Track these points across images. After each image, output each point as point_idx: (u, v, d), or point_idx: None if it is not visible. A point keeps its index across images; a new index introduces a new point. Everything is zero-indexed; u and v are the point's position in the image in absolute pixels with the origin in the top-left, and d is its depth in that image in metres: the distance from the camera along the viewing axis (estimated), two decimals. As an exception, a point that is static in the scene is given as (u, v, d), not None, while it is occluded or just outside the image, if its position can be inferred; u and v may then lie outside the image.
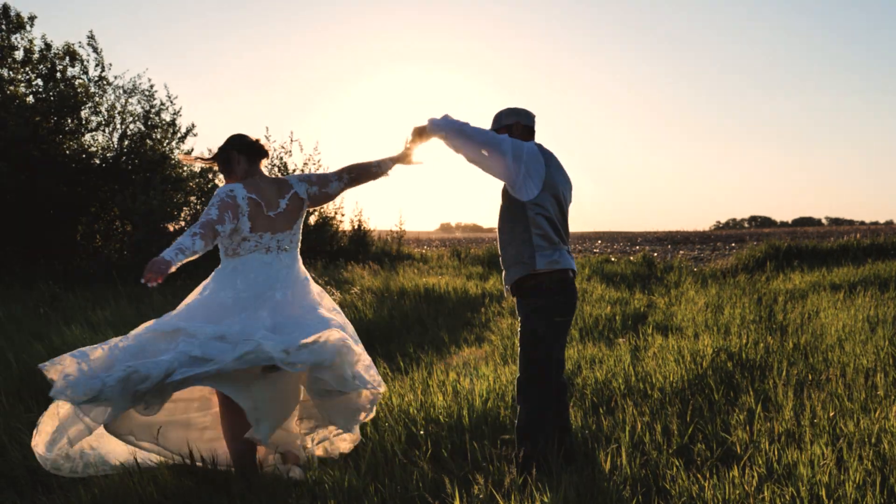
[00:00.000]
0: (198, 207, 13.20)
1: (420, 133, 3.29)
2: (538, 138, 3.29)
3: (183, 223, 13.09)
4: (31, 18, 14.25)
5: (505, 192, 3.14)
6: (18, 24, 14.08)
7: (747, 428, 3.50)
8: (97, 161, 13.58)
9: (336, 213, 14.60)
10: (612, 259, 13.95)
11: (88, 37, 14.01)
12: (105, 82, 13.99)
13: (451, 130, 3.05)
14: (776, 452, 3.13)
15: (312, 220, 14.53)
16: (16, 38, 13.99)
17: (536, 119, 3.29)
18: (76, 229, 13.23)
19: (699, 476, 2.95)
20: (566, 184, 3.21)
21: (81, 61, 13.97)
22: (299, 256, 3.43)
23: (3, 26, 13.88)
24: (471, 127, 3.04)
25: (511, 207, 3.10)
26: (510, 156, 2.99)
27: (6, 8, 14.01)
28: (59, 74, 13.81)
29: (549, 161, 3.11)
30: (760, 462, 3.07)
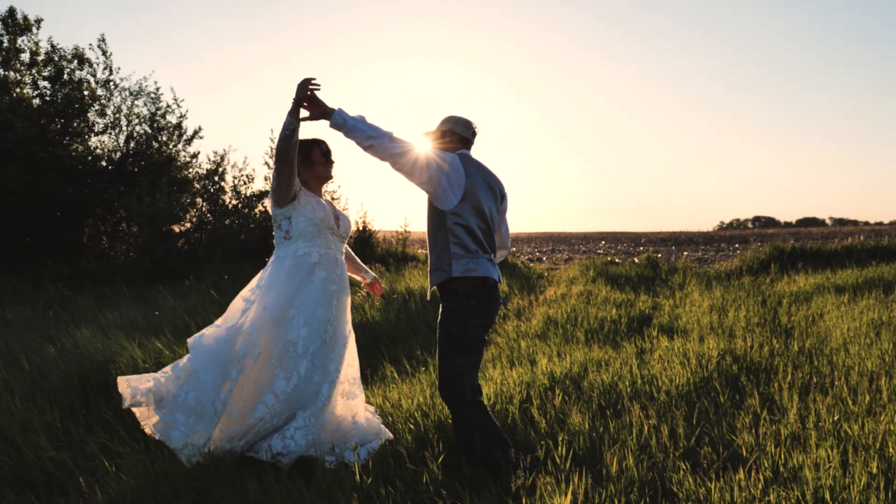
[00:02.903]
0: (203, 209, 13.24)
1: (319, 111, 3.14)
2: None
3: (188, 225, 13.15)
4: (38, 21, 14.34)
5: (429, 200, 3.23)
6: (25, 27, 14.18)
7: (753, 431, 3.54)
8: (103, 163, 13.66)
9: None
10: (617, 261, 13.97)
11: (99, 39, 14.10)
12: (112, 85, 14.08)
13: (373, 139, 3.04)
14: (782, 456, 3.17)
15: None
16: (22, 41, 14.08)
17: (477, 129, 3.40)
18: (82, 231, 13.30)
19: (706, 479, 2.99)
20: (489, 194, 3.28)
21: (90, 64, 14.06)
22: (277, 253, 3.57)
23: (10, 29, 13.98)
24: (393, 140, 3.06)
25: (433, 215, 3.22)
26: (433, 167, 3.10)
27: (12, 11, 14.10)
28: (66, 76, 13.89)
29: (470, 172, 3.20)
30: (766, 465, 3.11)
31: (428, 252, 3.31)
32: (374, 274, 4.01)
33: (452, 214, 3.15)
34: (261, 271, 3.58)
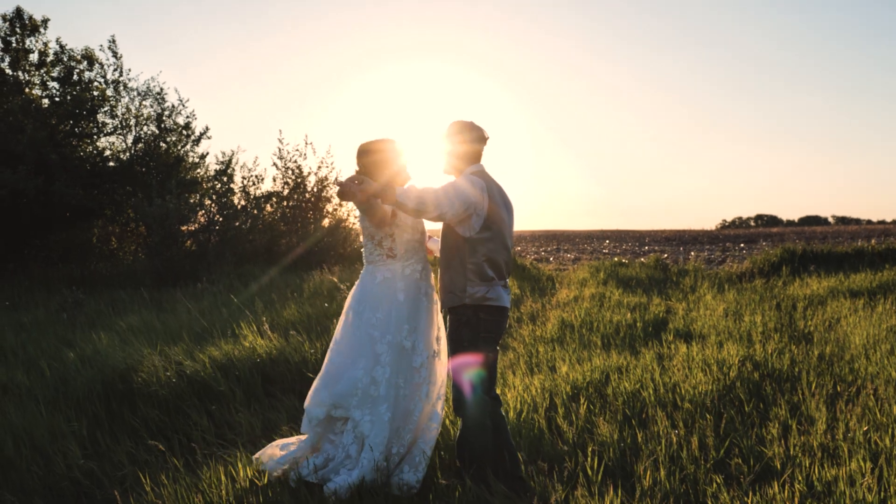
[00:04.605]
0: (212, 210, 13.24)
1: (382, 197, 3.03)
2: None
3: (197, 226, 13.16)
4: (45, 21, 14.34)
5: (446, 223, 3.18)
6: (33, 28, 14.17)
7: (782, 442, 3.53)
8: (112, 164, 13.67)
9: (349, 214, 14.64)
10: (625, 261, 13.96)
11: (109, 41, 14.07)
12: (122, 86, 14.08)
13: (417, 206, 2.99)
14: (816, 469, 3.16)
15: (326, 222, 14.55)
16: (30, 42, 14.08)
17: (488, 135, 3.32)
18: (92, 232, 13.32)
19: (740, 493, 2.99)
20: (507, 216, 3.25)
21: (101, 65, 14.04)
22: (369, 268, 3.47)
23: (18, 29, 13.97)
24: (429, 199, 3.01)
25: (450, 238, 3.18)
26: (461, 199, 3.04)
27: (19, 11, 14.10)
28: (75, 77, 13.89)
29: (492, 196, 3.15)
30: (800, 478, 3.10)
31: (440, 267, 3.27)
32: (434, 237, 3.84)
33: (471, 241, 3.11)
34: (355, 291, 3.45)
